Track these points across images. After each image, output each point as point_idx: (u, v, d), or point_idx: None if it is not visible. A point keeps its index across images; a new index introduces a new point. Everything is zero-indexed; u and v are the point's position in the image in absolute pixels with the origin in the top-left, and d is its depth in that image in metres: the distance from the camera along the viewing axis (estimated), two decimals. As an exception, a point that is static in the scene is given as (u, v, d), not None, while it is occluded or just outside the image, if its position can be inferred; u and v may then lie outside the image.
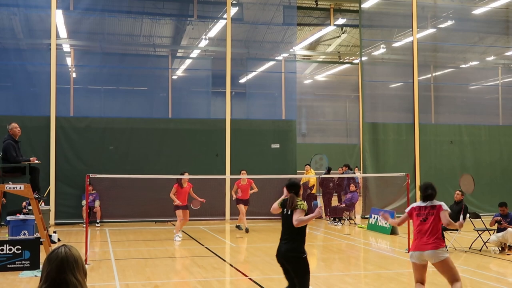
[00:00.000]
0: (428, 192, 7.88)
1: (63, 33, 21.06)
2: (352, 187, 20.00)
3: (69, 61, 22.23)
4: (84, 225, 13.92)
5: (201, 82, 23.21)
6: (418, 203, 8.02)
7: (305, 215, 7.11)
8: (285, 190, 7.43)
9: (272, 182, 18.62)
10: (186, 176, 15.63)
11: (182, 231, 16.56)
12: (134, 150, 20.28)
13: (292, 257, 7.08)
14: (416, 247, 7.71)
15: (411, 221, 8.03)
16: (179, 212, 15.78)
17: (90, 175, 12.71)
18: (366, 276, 11.56)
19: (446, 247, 13.71)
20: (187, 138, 20.85)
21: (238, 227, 17.91)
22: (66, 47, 22.23)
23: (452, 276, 7.80)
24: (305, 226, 7.21)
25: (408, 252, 13.38)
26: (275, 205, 7.58)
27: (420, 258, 7.71)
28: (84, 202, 17.78)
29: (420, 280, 7.86)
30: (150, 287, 9.93)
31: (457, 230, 13.13)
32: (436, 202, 7.83)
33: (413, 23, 22.63)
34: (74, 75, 22.03)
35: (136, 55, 23.60)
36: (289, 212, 7.18)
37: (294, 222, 7.02)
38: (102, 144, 20.06)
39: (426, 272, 7.91)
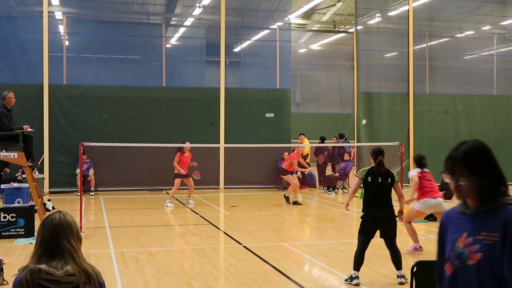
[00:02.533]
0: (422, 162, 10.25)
1: (55, 0, 20.78)
2: (346, 156, 20.06)
3: (61, 28, 21.97)
4: (79, 194, 13.95)
5: (195, 50, 23.04)
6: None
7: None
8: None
9: (266, 151, 18.66)
10: (188, 144, 15.78)
11: (177, 199, 16.64)
12: (128, 118, 20.21)
13: (392, 221, 8.14)
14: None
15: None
16: (178, 181, 15.97)
17: (84, 143, 12.69)
18: (359, 244, 11.66)
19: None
20: (181, 107, 20.77)
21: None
22: (59, 15, 21.95)
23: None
24: None
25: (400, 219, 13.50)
26: (357, 183, 8.45)
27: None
28: (78, 171, 17.76)
29: None
30: (145, 254, 10.00)
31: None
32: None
33: (409, -9, 22.44)
34: (67, 43, 21.80)
35: (129, 23, 23.34)
36: (382, 180, 8.07)
37: (401, 194, 8.38)
38: (96, 113, 19.97)
39: None
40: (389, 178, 8.19)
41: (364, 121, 21.43)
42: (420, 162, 10.69)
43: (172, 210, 15.65)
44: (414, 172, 10.51)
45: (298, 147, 17.41)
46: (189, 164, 16.22)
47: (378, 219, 8.05)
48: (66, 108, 19.68)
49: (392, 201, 8.32)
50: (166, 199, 16.41)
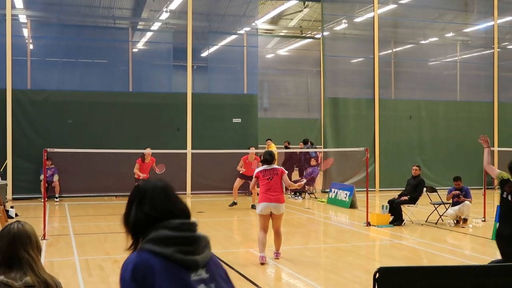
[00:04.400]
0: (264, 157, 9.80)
1: (19, 3, 20.45)
2: (313, 162, 20.18)
3: (25, 32, 21.62)
4: (42, 200, 13.71)
5: (162, 55, 22.91)
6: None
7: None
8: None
9: (233, 156, 18.63)
10: (148, 151, 15.73)
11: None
12: (93, 124, 19.98)
13: None
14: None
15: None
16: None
17: (48, 149, 12.50)
18: (325, 250, 11.77)
19: (403, 220, 14.04)
20: (147, 112, 20.63)
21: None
22: (23, 18, 21.60)
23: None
24: None
25: (365, 223, 13.65)
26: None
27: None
28: (42, 177, 17.47)
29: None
30: (110, 262, 9.89)
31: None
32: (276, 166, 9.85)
33: (374, -2, 22.75)
34: (31, 46, 21.47)
35: (95, 27, 23.08)
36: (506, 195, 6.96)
37: None
38: (61, 118, 19.69)
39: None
40: None
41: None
42: None
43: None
44: None
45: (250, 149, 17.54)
46: (150, 169, 16.20)
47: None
48: (30, 113, 19.36)
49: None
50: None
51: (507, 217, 7.01)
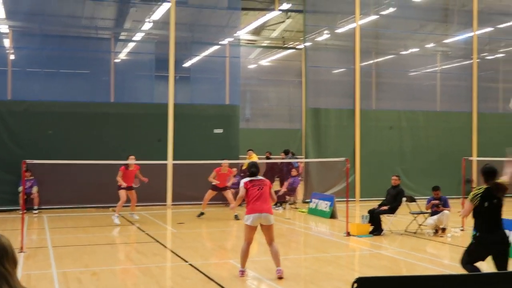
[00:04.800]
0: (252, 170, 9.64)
1: (0, 13, 20.35)
2: (294, 172, 20.23)
3: (6, 42, 21.50)
4: (21, 212, 13.59)
5: (144, 66, 22.89)
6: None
7: None
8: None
9: (214, 167, 18.60)
10: (132, 162, 15.65)
11: (123, 217, 16.44)
12: (74, 134, 19.88)
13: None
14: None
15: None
16: (122, 192, 15.79)
17: (27, 161, 12.42)
18: (306, 260, 11.79)
19: (383, 230, 14.12)
20: (129, 123, 20.58)
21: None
22: (4, 28, 21.48)
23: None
24: None
25: (345, 233, 13.71)
26: (468, 207, 7.45)
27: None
28: (20, 188, 17.33)
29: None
30: (88, 274, 9.83)
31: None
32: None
33: (356, 9, 22.94)
34: (12, 57, 21.33)
35: (77, 38, 23.00)
36: (495, 201, 7.30)
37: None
38: (41, 129, 19.56)
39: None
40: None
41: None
42: None
43: (118, 228, 15.42)
44: None
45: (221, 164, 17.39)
46: (134, 177, 16.08)
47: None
48: (10, 124, 19.22)
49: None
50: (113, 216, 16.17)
51: (497, 221, 7.39)
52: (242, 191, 9.50)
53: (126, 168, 15.84)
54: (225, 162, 17.34)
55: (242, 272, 9.46)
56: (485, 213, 7.34)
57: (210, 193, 17.38)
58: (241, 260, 9.52)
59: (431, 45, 26.78)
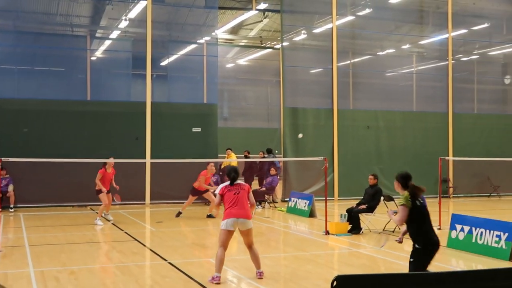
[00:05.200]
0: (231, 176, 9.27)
1: (-27, 9, 20.03)
2: (273, 171, 20.26)
3: (-20, 39, 21.17)
4: (-3, 211, 13.43)
5: (121, 64, 22.73)
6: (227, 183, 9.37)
7: None
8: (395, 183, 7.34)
9: (193, 166, 18.56)
10: (112, 160, 15.39)
11: (103, 216, 16.28)
12: (50, 133, 19.66)
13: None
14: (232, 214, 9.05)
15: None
16: (103, 196, 15.52)
17: (2, 158, 12.23)
18: (285, 258, 11.80)
19: (361, 229, 14.21)
20: (106, 121, 20.42)
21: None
22: (-23, 25, 21.15)
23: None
24: None
25: (324, 232, 13.77)
26: (404, 212, 7.12)
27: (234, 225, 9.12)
28: (-4, 187, 17.09)
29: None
30: (66, 273, 9.70)
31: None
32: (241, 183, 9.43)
33: (332, 10, 23.08)
34: (-15, 54, 21.01)
35: (52, 35, 22.73)
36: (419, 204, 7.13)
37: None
38: (16, 127, 19.31)
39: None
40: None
41: (300, 135, 21.79)
42: None
43: (94, 226, 15.27)
44: None
45: (208, 164, 17.13)
46: (111, 181, 15.80)
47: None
48: (-16, 122, 18.93)
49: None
50: (94, 216, 15.97)
51: (430, 225, 7.32)
52: (218, 198, 9.31)
53: (105, 170, 15.58)
54: (212, 163, 17.06)
55: (217, 278, 8.98)
56: (419, 218, 7.17)
57: (191, 199, 17.18)
58: (216, 265, 9.10)
59: (407, 46, 27.05)
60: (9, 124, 19.22)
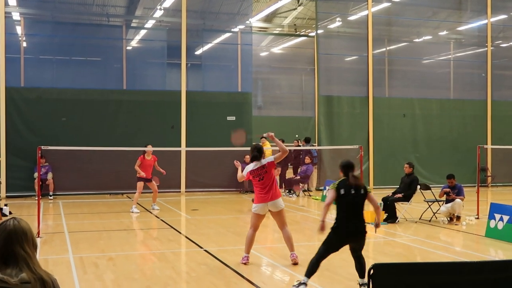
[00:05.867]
0: (253, 154, 9.29)
1: (12, 0, 20.38)
2: (307, 160, 20.21)
3: (19, 30, 21.55)
4: (37, 198, 13.69)
5: (156, 53, 22.88)
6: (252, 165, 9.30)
7: None
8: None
9: (227, 154, 18.66)
10: (149, 148, 15.49)
11: (140, 204, 16.49)
12: (87, 121, 19.97)
13: (364, 234, 7.66)
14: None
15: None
16: (140, 184, 15.68)
17: (42, 147, 12.47)
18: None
19: (397, 218, 14.08)
20: (142, 110, 20.63)
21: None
22: (16, 16, 21.50)
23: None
24: None
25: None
26: (331, 195, 7.58)
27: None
28: (36, 174, 17.46)
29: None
30: (104, 259, 9.88)
31: None
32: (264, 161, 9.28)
33: (368, -4, 22.80)
34: (24, 44, 21.38)
35: (89, 25, 23.00)
36: (356, 192, 7.51)
37: (377, 204, 7.90)
38: (55, 116, 19.67)
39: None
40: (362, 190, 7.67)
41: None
42: None
43: (132, 214, 15.48)
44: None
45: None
46: (152, 168, 15.90)
47: (351, 232, 7.64)
48: (24, 111, 19.33)
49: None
50: (130, 204, 16.17)
51: (356, 212, 7.60)
52: (243, 177, 9.51)
53: (144, 157, 15.72)
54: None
55: (246, 258, 9.34)
56: (343, 204, 7.53)
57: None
58: (246, 246, 9.43)
59: (444, 32, 26.55)
60: (48, 113, 19.58)
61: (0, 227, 3.22)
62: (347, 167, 7.66)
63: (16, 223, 3.24)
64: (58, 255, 10.25)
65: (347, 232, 7.59)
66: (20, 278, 3.10)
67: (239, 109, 21.58)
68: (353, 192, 7.50)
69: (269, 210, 9.29)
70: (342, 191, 7.49)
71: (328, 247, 7.66)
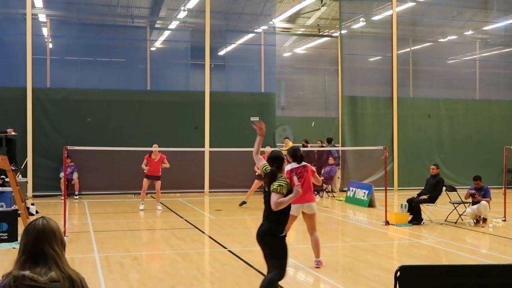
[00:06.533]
0: (298, 155, 9.17)
1: (38, 2, 20.64)
2: (331, 160, 20.13)
3: (45, 31, 21.83)
4: (62, 197, 13.84)
5: (179, 54, 22.99)
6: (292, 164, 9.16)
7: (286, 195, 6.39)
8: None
9: (251, 155, 18.60)
10: (156, 148, 15.61)
11: (162, 203, 16.60)
12: (112, 122, 20.14)
13: (270, 237, 6.49)
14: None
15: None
16: (145, 181, 15.99)
17: (68, 147, 12.60)
18: (344, 248, 11.72)
19: (423, 219, 13.95)
20: (165, 111, 20.74)
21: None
22: (42, 17, 21.80)
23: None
24: (287, 206, 6.53)
25: (384, 222, 13.60)
26: (259, 166, 6.85)
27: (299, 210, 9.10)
28: (62, 174, 17.67)
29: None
30: (129, 259, 9.95)
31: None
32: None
33: (392, -4, 22.64)
34: (50, 45, 21.66)
35: (113, 26, 23.22)
36: (267, 189, 6.55)
37: (272, 206, 6.37)
38: (80, 116, 19.87)
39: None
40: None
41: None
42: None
43: (156, 213, 15.58)
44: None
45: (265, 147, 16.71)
46: (160, 166, 16.05)
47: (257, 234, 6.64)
48: (50, 111, 19.56)
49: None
50: (154, 204, 16.30)
51: (265, 213, 6.60)
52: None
53: (150, 156, 15.95)
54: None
55: None
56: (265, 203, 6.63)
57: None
58: None
59: (469, 32, 26.22)
60: (73, 113, 19.80)
61: (30, 226, 3.25)
62: (273, 160, 6.66)
63: (45, 222, 3.26)
64: (84, 254, 10.35)
65: (256, 232, 6.61)
66: (49, 277, 3.12)
67: (262, 109, 21.58)
68: (266, 189, 6.59)
69: (303, 212, 9.27)
70: (266, 188, 6.63)
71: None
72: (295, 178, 8.79)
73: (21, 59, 19.22)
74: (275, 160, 6.65)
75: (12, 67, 19.80)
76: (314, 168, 9.55)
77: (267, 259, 6.60)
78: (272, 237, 6.48)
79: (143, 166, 15.93)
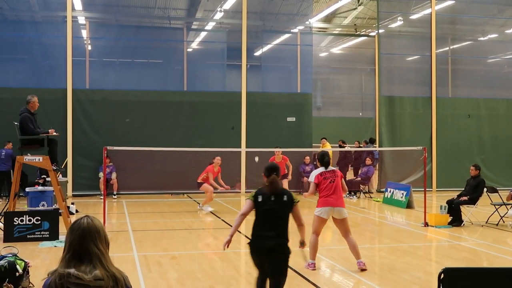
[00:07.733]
0: (325, 159, 9.21)
1: (78, 5, 21.01)
2: (368, 161, 19.94)
3: (84, 33, 22.21)
4: (102, 197, 14.05)
5: (216, 54, 23.12)
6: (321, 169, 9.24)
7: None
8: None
9: (288, 156, 18.63)
10: (218, 160, 15.79)
11: (198, 202, 16.71)
12: (149, 122, 20.35)
13: (283, 254, 6.23)
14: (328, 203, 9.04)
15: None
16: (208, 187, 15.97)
17: (108, 147, 12.78)
18: (381, 249, 11.59)
19: (463, 221, 13.70)
20: (202, 111, 20.85)
21: None
22: (81, 20, 22.19)
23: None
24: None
25: (423, 223, 13.39)
26: (247, 206, 6.47)
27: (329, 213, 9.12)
28: (101, 174, 17.94)
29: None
30: (168, 258, 10.03)
31: None
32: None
33: (431, -6, 22.30)
34: (89, 47, 22.02)
35: (151, 28, 23.51)
36: (276, 199, 6.33)
37: (300, 221, 6.47)
38: (118, 117, 20.14)
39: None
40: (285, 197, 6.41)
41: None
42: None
43: (192, 214, 15.69)
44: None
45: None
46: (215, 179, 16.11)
47: (264, 249, 6.22)
48: (89, 112, 19.88)
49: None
50: (191, 203, 16.42)
51: (273, 227, 6.33)
52: (313, 186, 9.14)
53: (213, 168, 16.02)
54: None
55: (312, 265, 9.20)
56: (256, 214, 6.36)
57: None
58: (310, 252, 9.25)
59: (511, 30, 25.66)
60: (112, 114, 20.08)
61: (75, 226, 3.29)
62: (270, 170, 6.45)
63: (90, 221, 3.30)
64: (123, 253, 10.47)
65: (260, 248, 6.23)
66: (94, 275, 3.16)
67: (298, 110, 21.52)
68: (273, 199, 6.31)
69: (333, 218, 9.20)
70: (259, 198, 6.34)
71: (258, 271, 6.40)
72: (325, 182, 9.06)
73: (62, 61, 19.58)
74: (273, 170, 6.48)
75: (52, 69, 20.20)
76: (342, 173, 9.62)
77: (272, 275, 6.27)
78: (285, 255, 6.25)
79: (213, 182, 15.75)
